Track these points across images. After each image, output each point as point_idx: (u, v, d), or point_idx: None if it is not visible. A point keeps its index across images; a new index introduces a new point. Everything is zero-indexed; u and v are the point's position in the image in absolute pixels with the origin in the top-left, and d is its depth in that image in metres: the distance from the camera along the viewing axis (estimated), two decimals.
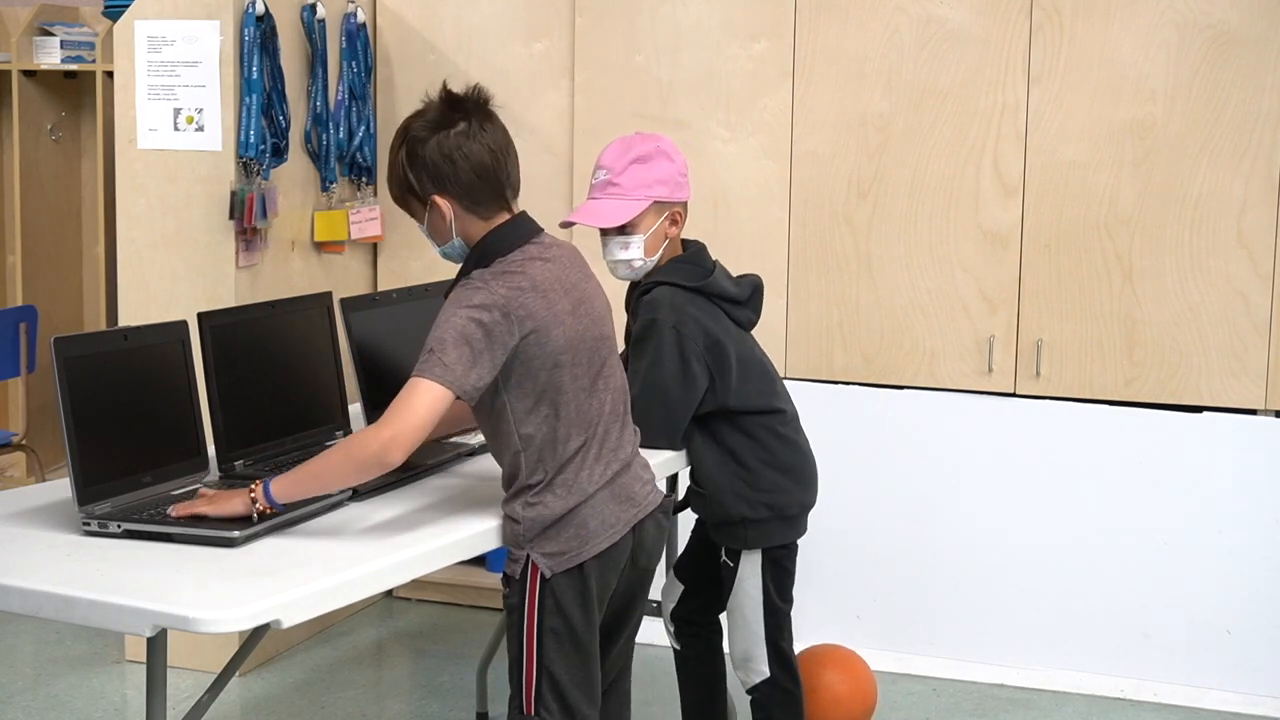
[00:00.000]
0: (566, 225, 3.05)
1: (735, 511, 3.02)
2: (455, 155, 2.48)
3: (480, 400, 2.48)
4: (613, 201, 2.96)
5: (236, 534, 2.35)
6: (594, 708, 2.60)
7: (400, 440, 2.37)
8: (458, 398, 2.40)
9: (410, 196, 2.54)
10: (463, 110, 2.52)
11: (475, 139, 2.50)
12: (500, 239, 2.52)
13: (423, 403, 2.38)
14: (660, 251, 3.00)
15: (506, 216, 2.56)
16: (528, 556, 2.51)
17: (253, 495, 2.42)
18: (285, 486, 2.43)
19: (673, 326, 2.95)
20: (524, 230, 2.55)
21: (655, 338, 2.95)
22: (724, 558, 3.10)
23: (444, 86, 2.56)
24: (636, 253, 2.97)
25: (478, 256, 2.52)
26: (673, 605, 3.29)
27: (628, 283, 3.12)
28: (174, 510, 2.43)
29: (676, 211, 2.99)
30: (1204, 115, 3.90)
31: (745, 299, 3.08)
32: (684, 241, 3.09)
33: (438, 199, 2.50)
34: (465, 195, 2.50)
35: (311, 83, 4.22)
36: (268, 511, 2.43)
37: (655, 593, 2.96)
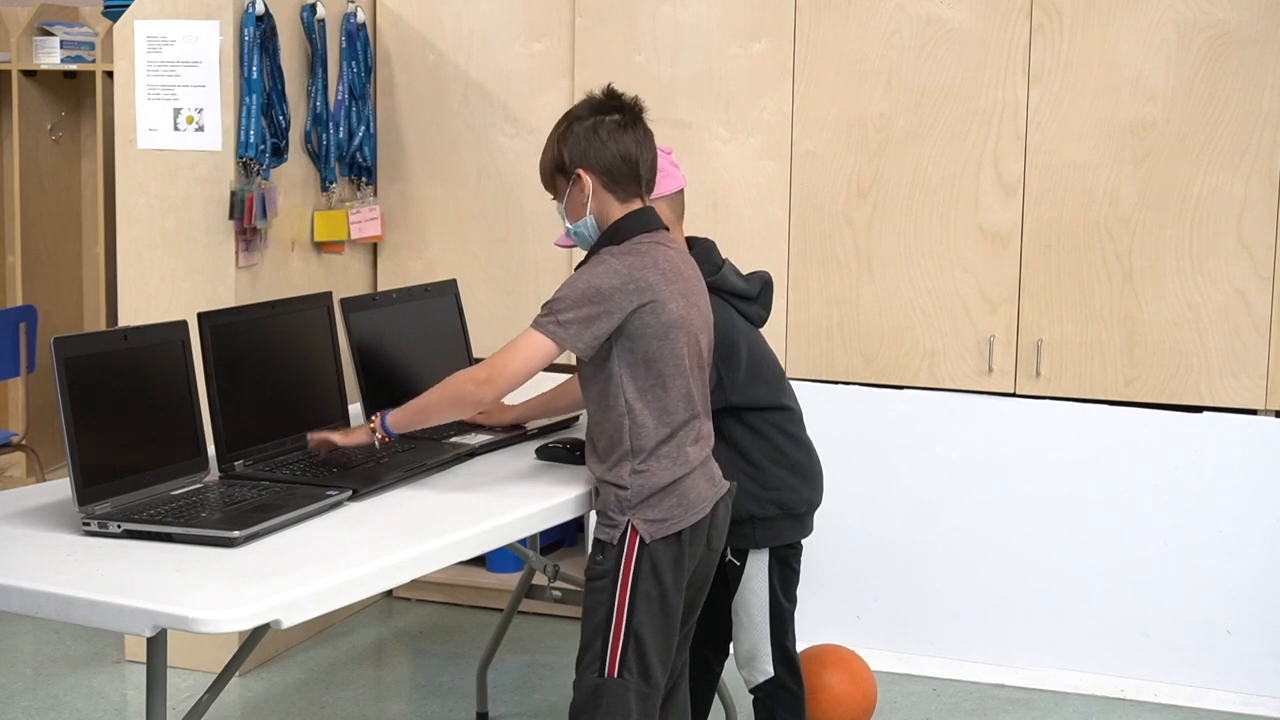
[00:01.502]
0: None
1: (744, 510, 3.03)
2: (605, 137, 2.68)
3: (589, 366, 2.65)
4: None
5: (236, 534, 2.35)
6: (666, 677, 2.71)
7: (494, 382, 2.62)
8: (565, 350, 2.58)
9: (557, 173, 2.73)
10: (620, 105, 2.72)
11: (626, 130, 2.70)
12: (633, 222, 2.69)
13: (525, 352, 2.60)
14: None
15: (640, 205, 2.73)
16: (628, 522, 2.63)
17: (373, 427, 2.74)
18: (400, 418, 2.72)
19: None
20: (654, 221, 2.73)
21: None
22: (730, 556, 3.10)
23: (609, 86, 2.76)
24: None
25: (610, 235, 2.69)
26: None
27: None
28: (311, 442, 2.80)
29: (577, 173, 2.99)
30: (1204, 115, 3.90)
31: (755, 295, 3.09)
32: (692, 239, 3.09)
33: (582, 172, 2.68)
34: (606, 173, 2.68)
35: (311, 83, 4.22)
36: (386, 441, 2.75)
37: None
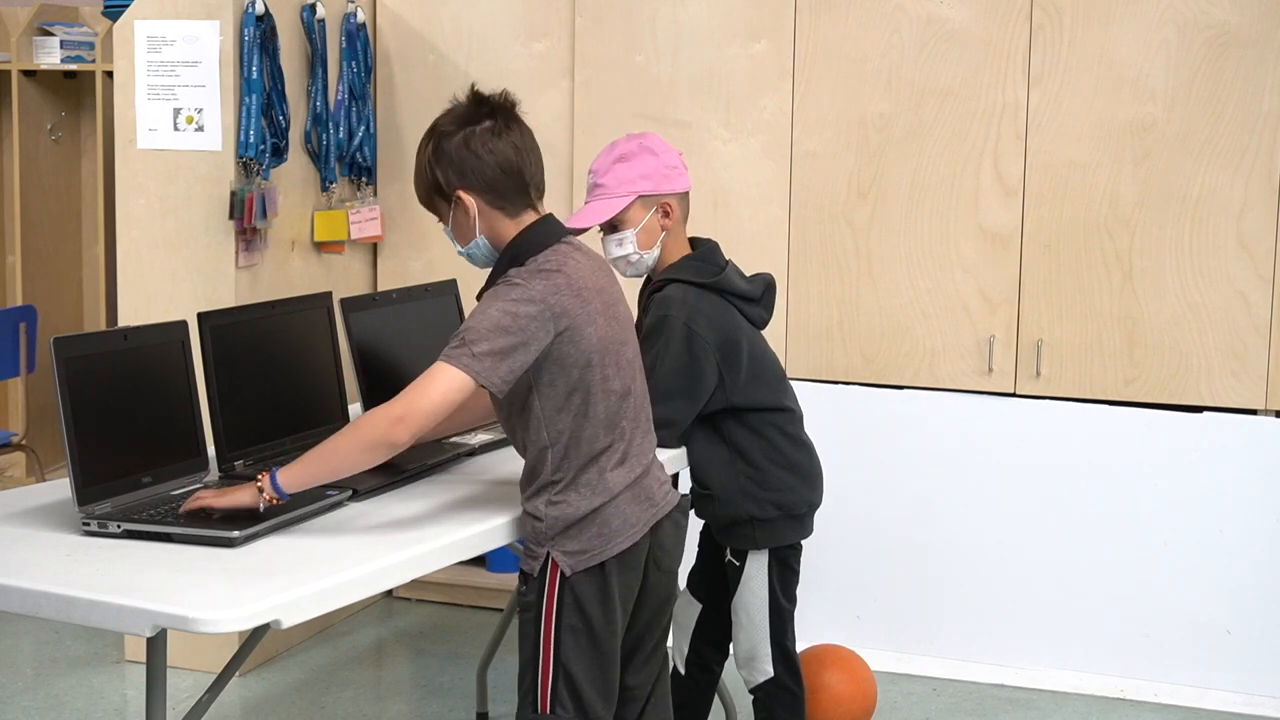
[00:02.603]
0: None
1: (744, 511, 3.02)
2: (480, 150, 2.49)
3: (508, 395, 2.48)
4: (598, 202, 3.00)
5: (236, 534, 2.35)
6: (609, 709, 2.59)
7: (409, 421, 2.36)
8: (481, 387, 2.39)
9: (436, 195, 2.56)
10: (489, 109, 2.54)
11: (501, 136, 2.51)
12: (533, 238, 2.52)
13: (440, 387, 2.37)
14: (658, 244, 3.01)
15: (534, 216, 2.56)
16: (548, 554, 2.51)
17: (259, 487, 2.41)
18: (293, 475, 2.41)
19: (684, 323, 2.95)
20: (555, 230, 2.56)
21: (665, 334, 2.95)
22: (729, 557, 3.10)
23: (472, 88, 2.59)
24: (630, 248, 2.99)
25: (511, 256, 2.52)
26: (692, 625, 3.27)
27: (640, 282, 3.13)
28: (181, 507, 2.43)
29: (666, 204, 2.99)
30: (1204, 115, 3.90)
31: (758, 296, 3.08)
32: (695, 240, 3.09)
33: (462, 194, 2.51)
34: (489, 190, 2.51)
35: (311, 83, 4.22)
36: (275, 503, 2.42)
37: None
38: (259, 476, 2.42)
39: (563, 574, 2.50)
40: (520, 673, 2.59)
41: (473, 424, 2.94)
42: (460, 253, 2.61)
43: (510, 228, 2.54)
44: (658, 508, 2.62)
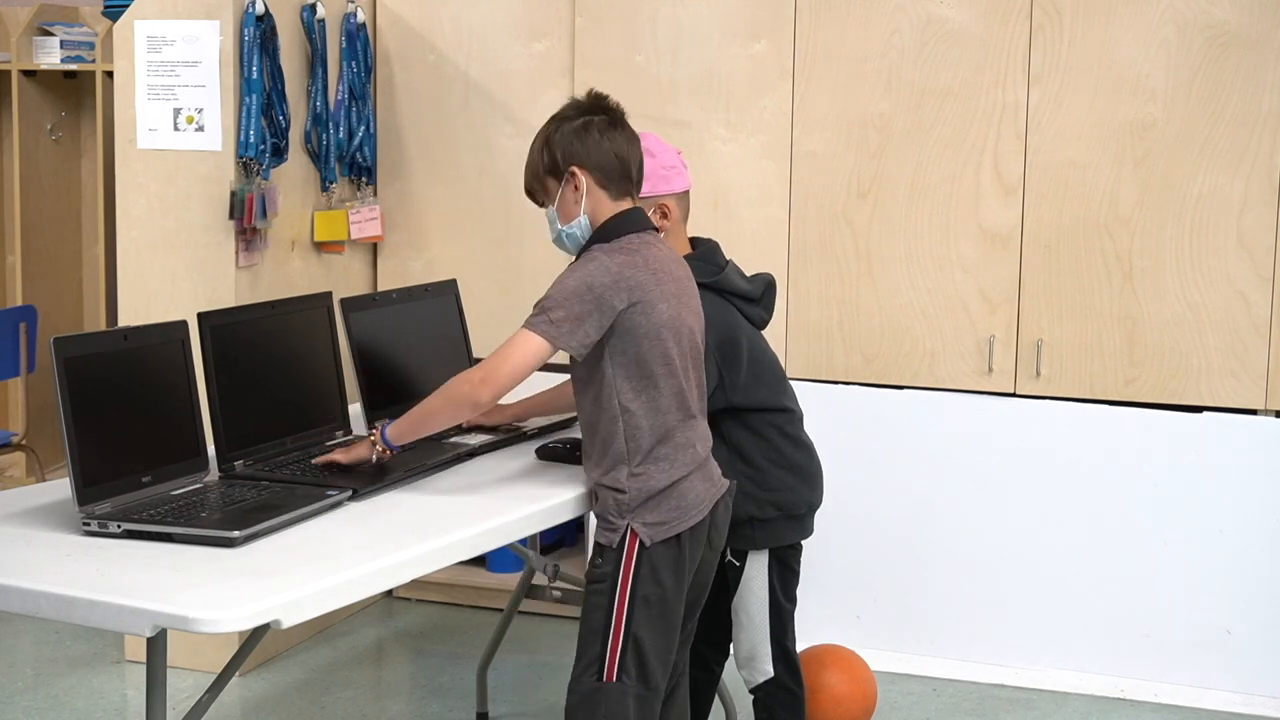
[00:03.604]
0: None
1: (743, 511, 3.02)
2: (598, 135, 2.68)
3: (583, 368, 2.63)
4: None
5: (236, 534, 2.35)
6: (666, 680, 2.69)
7: (490, 382, 2.58)
8: (559, 350, 2.57)
9: (548, 175, 2.70)
10: (605, 107, 2.73)
11: (616, 129, 2.71)
12: (624, 221, 2.68)
13: (520, 351, 2.57)
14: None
15: (630, 205, 2.72)
16: (628, 525, 2.63)
17: (373, 439, 2.72)
18: (399, 429, 2.70)
19: None
20: (643, 221, 2.73)
21: None
22: (729, 557, 3.10)
23: (592, 90, 2.77)
24: None
25: (600, 233, 2.67)
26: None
27: None
28: (315, 460, 2.75)
29: (663, 205, 2.98)
30: (1204, 115, 3.90)
31: (758, 296, 3.08)
32: (695, 240, 3.09)
33: (576, 170, 2.67)
34: (600, 171, 2.67)
35: (311, 83, 4.22)
36: (388, 455, 2.72)
37: None
38: (372, 432, 2.73)
39: (641, 544, 2.62)
40: (584, 643, 2.67)
41: (574, 409, 2.96)
42: (558, 233, 2.72)
43: (609, 210, 2.69)
44: (716, 488, 2.77)
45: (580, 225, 2.69)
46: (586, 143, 2.66)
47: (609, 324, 2.58)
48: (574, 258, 2.71)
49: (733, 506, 3.02)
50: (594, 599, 2.66)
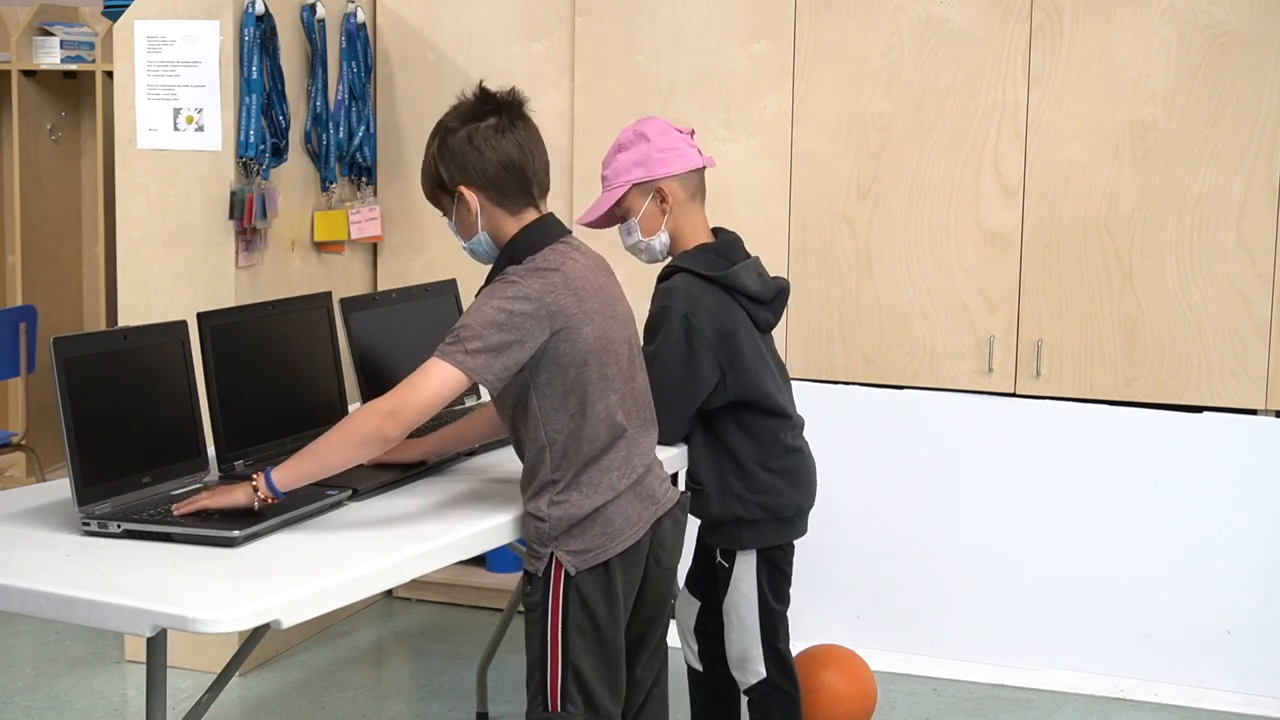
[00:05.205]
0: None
1: (730, 511, 3.01)
2: (483, 146, 2.50)
3: (506, 395, 2.50)
4: (601, 195, 3.02)
5: (236, 534, 2.35)
6: (617, 704, 2.60)
7: (401, 415, 2.38)
8: (475, 384, 2.41)
9: (439, 190, 2.57)
10: (494, 106, 2.54)
11: (505, 134, 2.51)
12: (532, 236, 2.54)
13: (433, 383, 2.39)
14: (663, 229, 2.99)
15: (535, 215, 2.57)
16: (552, 554, 2.52)
17: (254, 486, 2.41)
18: (287, 473, 2.42)
19: (683, 315, 2.92)
20: (555, 229, 2.58)
21: (665, 326, 2.93)
22: (719, 559, 3.09)
23: (480, 84, 2.59)
24: (637, 236, 3.00)
25: (510, 253, 2.54)
26: (693, 621, 3.24)
27: (659, 269, 3.10)
28: (176, 509, 2.42)
29: (660, 188, 2.96)
30: (1204, 115, 3.90)
31: (768, 299, 3.04)
32: (718, 230, 3.07)
33: (464, 190, 2.52)
34: (491, 187, 2.52)
35: (311, 83, 4.22)
36: (271, 502, 2.42)
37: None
38: (254, 476, 2.43)
39: (567, 573, 2.51)
40: (529, 672, 2.59)
41: (491, 435, 2.90)
42: (464, 247, 2.63)
43: (511, 225, 2.55)
44: (658, 505, 2.63)
45: (481, 242, 2.57)
46: (470, 158, 2.49)
47: (528, 356, 2.43)
48: (488, 268, 2.59)
49: (720, 506, 3.01)
50: (530, 628, 2.57)
